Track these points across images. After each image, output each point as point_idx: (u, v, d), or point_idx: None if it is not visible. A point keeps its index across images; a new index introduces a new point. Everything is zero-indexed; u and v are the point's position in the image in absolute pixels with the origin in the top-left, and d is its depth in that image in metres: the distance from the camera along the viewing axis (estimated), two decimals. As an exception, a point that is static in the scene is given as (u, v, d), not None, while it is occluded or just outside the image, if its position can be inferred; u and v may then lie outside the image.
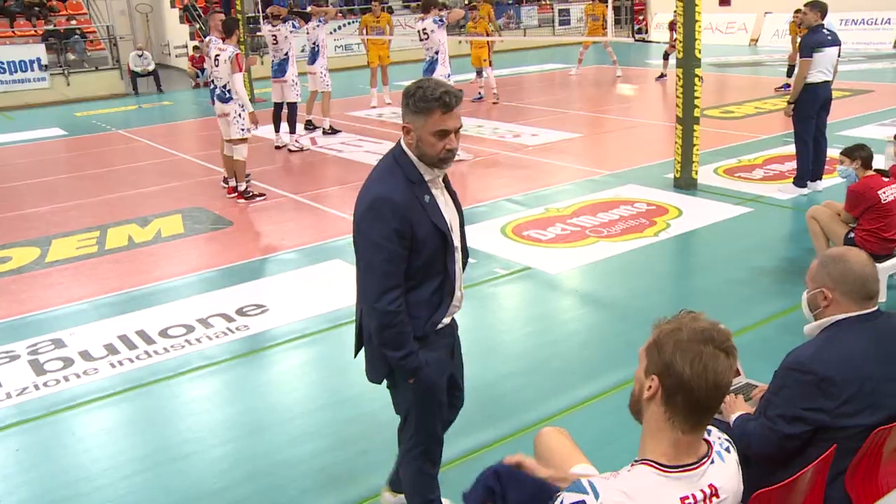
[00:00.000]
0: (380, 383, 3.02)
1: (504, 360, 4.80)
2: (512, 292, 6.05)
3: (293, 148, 11.46)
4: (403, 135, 2.73)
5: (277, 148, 11.70)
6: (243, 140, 8.78)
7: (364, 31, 15.42)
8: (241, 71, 8.55)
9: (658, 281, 6.13)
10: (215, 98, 8.84)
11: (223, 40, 8.72)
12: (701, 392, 1.77)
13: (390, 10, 24.72)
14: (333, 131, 12.50)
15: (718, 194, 8.02)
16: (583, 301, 5.80)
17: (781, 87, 13.97)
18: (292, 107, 11.38)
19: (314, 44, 12.01)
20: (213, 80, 8.91)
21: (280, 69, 11.30)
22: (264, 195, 9.02)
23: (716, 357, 1.78)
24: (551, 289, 6.03)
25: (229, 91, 8.65)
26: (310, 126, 12.65)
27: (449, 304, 2.90)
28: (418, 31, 10.11)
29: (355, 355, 3.06)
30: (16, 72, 18.75)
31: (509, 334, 5.27)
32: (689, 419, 1.81)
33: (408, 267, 2.73)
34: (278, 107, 11.55)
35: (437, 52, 9.79)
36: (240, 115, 8.70)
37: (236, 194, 8.95)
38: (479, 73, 15.20)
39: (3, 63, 18.64)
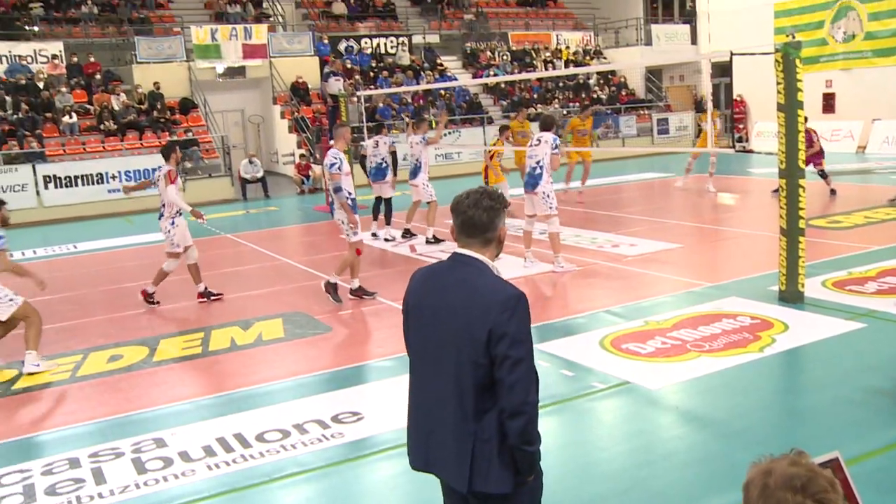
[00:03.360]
0: (509, 491, 2.82)
1: (599, 479, 4.65)
2: (609, 408, 5.90)
3: (387, 236, 13.07)
4: (501, 237, 2.94)
5: (374, 235, 13.20)
6: (175, 255, 9.55)
7: (510, 136, 16.61)
8: (173, 183, 9.44)
9: (763, 399, 5.87)
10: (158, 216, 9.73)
11: (168, 162, 9.66)
12: None
13: (490, 120, 25.44)
14: (437, 241, 12.61)
15: (828, 308, 7.71)
16: (683, 419, 5.60)
17: (895, 198, 13.51)
18: (388, 202, 13.28)
19: (417, 160, 12.63)
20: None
21: (412, 173, 12.71)
22: (159, 302, 9.73)
23: None
24: (650, 405, 5.85)
25: (163, 208, 9.49)
26: (407, 234, 12.96)
27: None
28: (531, 140, 10.20)
29: (469, 486, 2.81)
30: (140, 179, 20.04)
31: (605, 452, 5.11)
32: None
33: None
34: (378, 201, 13.36)
35: (539, 163, 9.83)
36: (168, 230, 9.49)
37: (142, 293, 9.74)
38: None
39: (129, 172, 20.04)
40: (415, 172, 12.66)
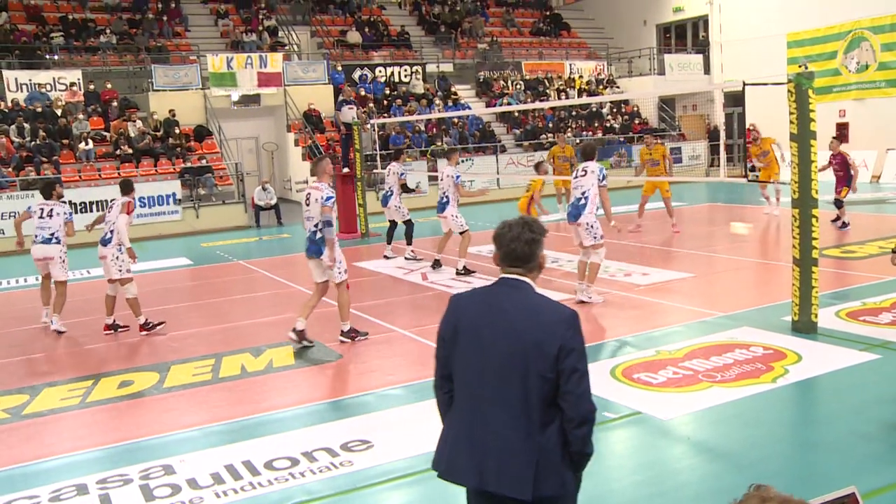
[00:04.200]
0: (571, 492, 3.04)
1: (611, 510, 4.60)
2: (620, 438, 5.85)
3: (407, 256, 13.56)
4: (542, 264, 3.15)
5: (386, 257, 13.91)
6: (129, 279, 9.58)
7: (552, 160, 18.07)
8: (129, 214, 9.62)
9: (776, 430, 5.81)
10: (99, 242, 9.80)
11: (125, 194, 9.79)
12: None
13: (503, 149, 25.55)
14: (467, 272, 12.11)
15: (841, 339, 7.64)
16: (695, 450, 5.54)
17: None
18: (409, 224, 13.67)
19: (444, 194, 12.36)
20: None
21: (440, 207, 12.56)
22: (164, 322, 9.76)
23: None
24: (662, 436, 5.80)
25: (111, 234, 9.52)
26: (437, 265, 12.65)
27: None
28: (577, 170, 9.85)
29: (533, 493, 2.93)
30: (154, 205, 20.31)
31: (617, 483, 5.06)
32: None
33: None
34: (393, 225, 14.00)
35: (585, 194, 9.47)
36: (117, 256, 9.54)
37: (140, 328, 9.67)
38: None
39: (143, 198, 20.20)
40: (442, 207, 12.39)
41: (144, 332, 9.63)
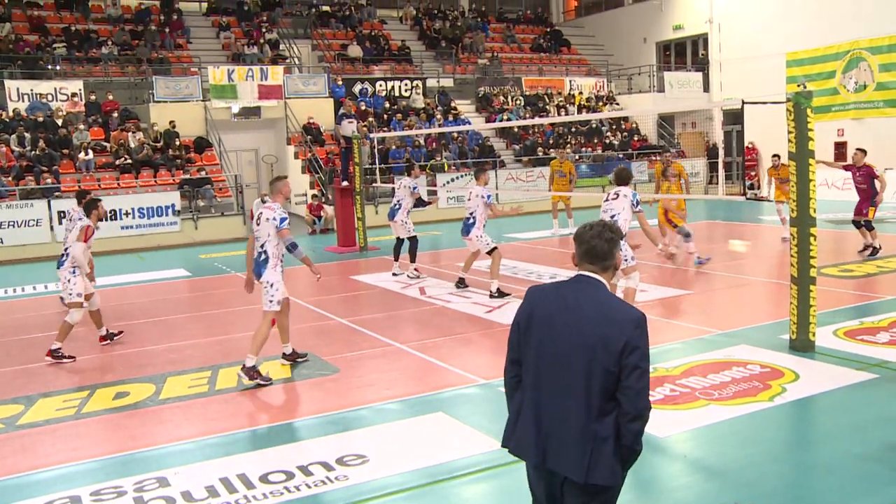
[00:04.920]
0: (617, 484, 3.22)
1: (607, 528, 4.56)
2: (617, 454, 5.82)
3: (410, 275, 13.22)
4: (617, 264, 3.40)
5: (394, 275, 13.55)
6: (77, 304, 9.14)
7: (552, 174, 19.07)
8: (85, 241, 9.15)
9: (773, 450, 5.78)
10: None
11: (88, 216, 9.31)
12: None
13: (502, 164, 25.61)
14: (501, 294, 11.36)
15: (839, 358, 7.63)
16: (691, 468, 5.53)
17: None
18: (413, 240, 13.41)
19: (472, 214, 11.67)
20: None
21: (465, 229, 11.80)
22: (73, 357, 9.09)
23: None
24: (658, 453, 5.78)
25: (65, 257, 9.22)
26: (461, 284, 12.24)
27: None
28: (608, 193, 9.58)
29: (586, 478, 3.14)
30: (153, 216, 20.37)
31: (613, 500, 5.03)
32: None
33: None
34: (399, 242, 13.67)
35: (614, 217, 8.99)
36: (69, 280, 9.15)
37: (48, 353, 9.04)
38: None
39: (142, 209, 20.30)
40: (468, 229, 11.68)
41: (48, 358, 9.01)
